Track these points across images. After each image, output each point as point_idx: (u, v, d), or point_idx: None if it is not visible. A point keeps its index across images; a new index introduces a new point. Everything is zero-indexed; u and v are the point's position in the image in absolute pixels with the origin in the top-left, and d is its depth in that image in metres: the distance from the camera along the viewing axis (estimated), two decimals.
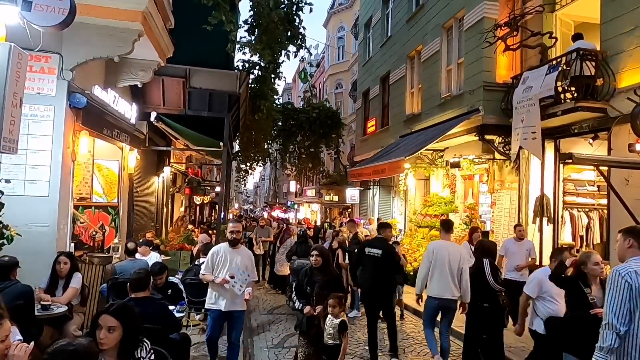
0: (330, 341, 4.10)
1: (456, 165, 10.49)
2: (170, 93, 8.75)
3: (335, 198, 23.32)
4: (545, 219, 8.40)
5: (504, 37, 8.56)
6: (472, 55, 9.79)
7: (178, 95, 8.75)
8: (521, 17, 8.71)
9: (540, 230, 8.47)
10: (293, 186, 35.03)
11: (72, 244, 6.16)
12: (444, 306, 5.10)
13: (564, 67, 7.37)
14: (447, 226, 5.58)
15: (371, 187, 17.10)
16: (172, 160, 12.52)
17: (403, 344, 6.29)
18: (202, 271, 4.66)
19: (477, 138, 9.43)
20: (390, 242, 6.22)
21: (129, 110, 7.68)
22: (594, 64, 7.11)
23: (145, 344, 2.51)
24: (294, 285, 4.57)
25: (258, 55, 9.90)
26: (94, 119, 6.21)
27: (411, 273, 9.69)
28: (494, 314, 4.73)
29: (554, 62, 7.67)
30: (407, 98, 13.65)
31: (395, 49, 14.50)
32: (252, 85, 11.35)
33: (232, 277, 4.48)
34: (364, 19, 18.47)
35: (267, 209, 47.18)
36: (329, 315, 4.17)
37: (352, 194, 18.42)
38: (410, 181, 13.47)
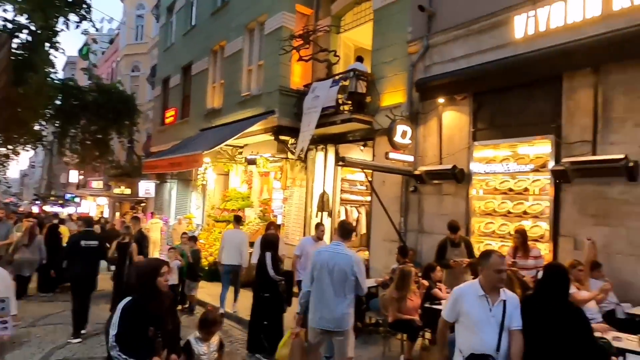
0: None
1: (253, 162, 10.98)
2: None
3: (127, 191, 21.36)
4: (325, 213, 9.61)
5: (298, 47, 9.41)
6: (271, 60, 10.38)
7: None
8: (313, 32, 9.73)
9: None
10: (74, 176, 30.23)
11: None
12: (231, 270, 7.46)
13: (344, 83, 8.58)
14: (237, 219, 8.12)
15: (168, 180, 16.27)
16: None
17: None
18: None
19: (272, 138, 10.08)
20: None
21: None
22: (365, 84, 8.52)
23: None
24: (115, 338, 2.77)
25: (27, 16, 8.14)
26: None
27: (206, 268, 9.67)
28: (274, 302, 5.16)
29: (337, 77, 8.84)
30: (209, 92, 13.48)
31: (199, 39, 14.13)
32: (18, 52, 9.30)
33: None
34: (167, 1, 17.35)
35: (38, 202, 39.35)
36: (199, 342, 3.46)
37: (146, 187, 17.15)
38: (210, 176, 13.40)
